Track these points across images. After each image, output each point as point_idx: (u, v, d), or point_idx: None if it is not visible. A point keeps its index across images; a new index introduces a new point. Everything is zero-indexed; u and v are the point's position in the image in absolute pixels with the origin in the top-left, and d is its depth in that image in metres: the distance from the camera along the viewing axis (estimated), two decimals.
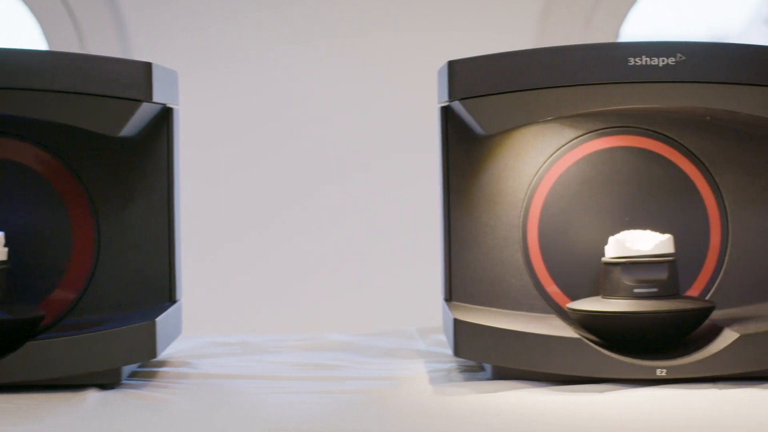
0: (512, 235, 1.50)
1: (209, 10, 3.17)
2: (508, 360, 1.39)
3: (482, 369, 1.49)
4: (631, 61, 1.39)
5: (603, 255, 1.45)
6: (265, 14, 3.17)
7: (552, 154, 1.50)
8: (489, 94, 1.40)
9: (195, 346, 1.66)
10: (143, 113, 1.43)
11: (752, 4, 3.53)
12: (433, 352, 1.62)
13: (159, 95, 1.43)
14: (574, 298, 1.48)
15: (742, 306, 1.49)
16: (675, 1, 3.53)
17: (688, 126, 1.51)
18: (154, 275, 1.49)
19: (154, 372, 1.49)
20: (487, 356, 1.40)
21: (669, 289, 1.42)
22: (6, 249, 1.45)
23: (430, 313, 1.92)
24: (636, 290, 1.41)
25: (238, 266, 3.20)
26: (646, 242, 1.43)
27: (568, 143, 1.51)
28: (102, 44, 3.12)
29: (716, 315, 1.47)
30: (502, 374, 1.42)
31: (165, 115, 1.50)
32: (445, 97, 1.44)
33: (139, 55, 3.08)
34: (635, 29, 3.37)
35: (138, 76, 1.39)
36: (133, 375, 1.47)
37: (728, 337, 1.39)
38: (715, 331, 1.42)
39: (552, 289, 1.50)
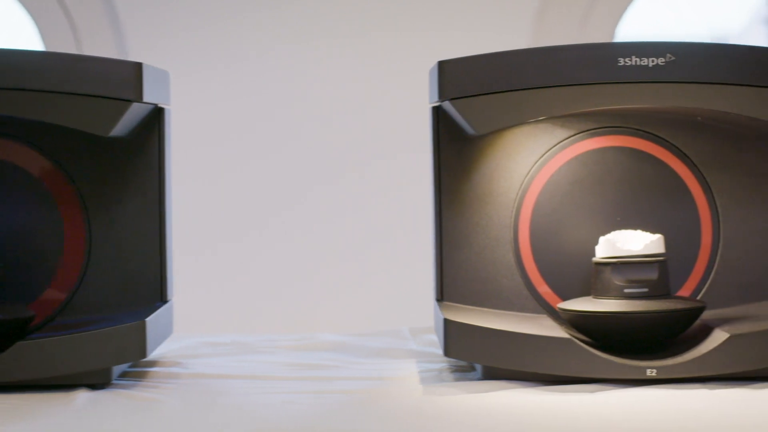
0: (503, 235, 1.50)
1: (206, 12, 3.17)
2: (498, 360, 1.39)
3: (473, 369, 1.49)
4: (621, 61, 1.39)
5: (594, 255, 1.45)
6: (261, 15, 3.18)
7: (543, 154, 1.50)
8: (479, 94, 1.40)
9: (187, 346, 1.66)
10: (134, 113, 1.43)
11: (752, 4, 3.53)
12: (425, 352, 1.62)
13: (150, 95, 1.43)
14: (565, 298, 1.48)
15: (734, 306, 1.49)
16: (675, 1, 3.53)
17: (679, 126, 1.51)
18: (145, 275, 1.49)
19: (145, 372, 1.49)
20: (477, 356, 1.40)
21: (659, 289, 1.42)
22: None
23: (426, 313, 1.92)
24: (626, 290, 1.41)
25: (233, 266, 3.20)
26: (636, 242, 1.43)
27: (559, 143, 1.51)
28: (99, 45, 3.12)
29: (707, 315, 1.47)
30: (492, 374, 1.42)
31: (156, 115, 1.50)
32: (436, 98, 1.44)
33: (136, 56, 3.08)
34: (635, 29, 3.37)
35: (128, 77, 1.39)
36: (124, 375, 1.47)
37: (718, 337, 1.39)
38: (706, 332, 1.42)
39: (543, 289, 1.50)
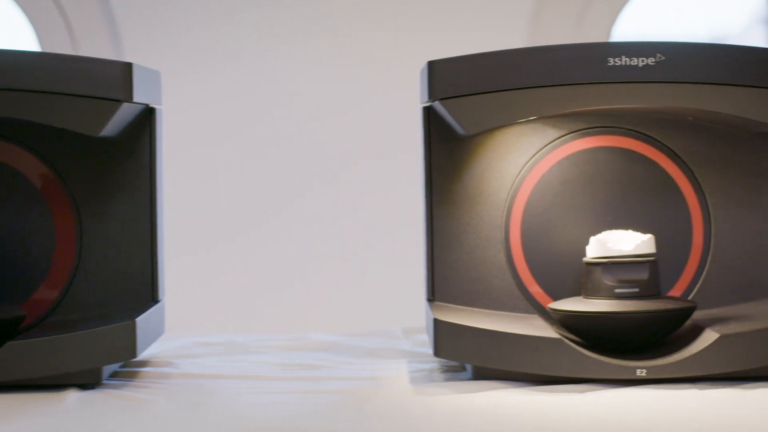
0: (495, 235, 1.50)
1: (202, 13, 3.17)
2: (487, 360, 1.39)
3: (464, 369, 1.49)
4: (611, 61, 1.39)
5: (585, 255, 1.45)
6: (257, 15, 3.18)
7: (534, 154, 1.50)
8: (468, 94, 1.40)
9: (179, 347, 1.66)
10: (124, 113, 1.43)
11: (752, 5, 3.52)
12: (416, 353, 1.62)
13: (140, 95, 1.43)
14: (556, 298, 1.48)
15: (725, 306, 1.49)
16: (675, 1, 3.52)
17: (670, 126, 1.51)
18: (136, 275, 1.49)
19: (136, 372, 1.49)
20: (466, 356, 1.39)
21: (650, 289, 1.42)
22: None
23: (421, 313, 1.92)
24: (617, 290, 1.41)
25: (226, 266, 3.20)
26: (627, 242, 1.43)
27: (550, 143, 1.51)
28: (95, 46, 3.12)
29: (698, 315, 1.47)
30: (482, 374, 1.41)
31: (148, 115, 1.50)
32: (426, 98, 1.44)
33: (133, 57, 3.08)
34: (635, 29, 3.36)
35: (118, 77, 1.39)
36: (115, 375, 1.47)
37: (708, 337, 1.39)
38: (696, 332, 1.42)
39: (534, 289, 1.50)
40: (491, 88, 1.40)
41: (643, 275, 1.41)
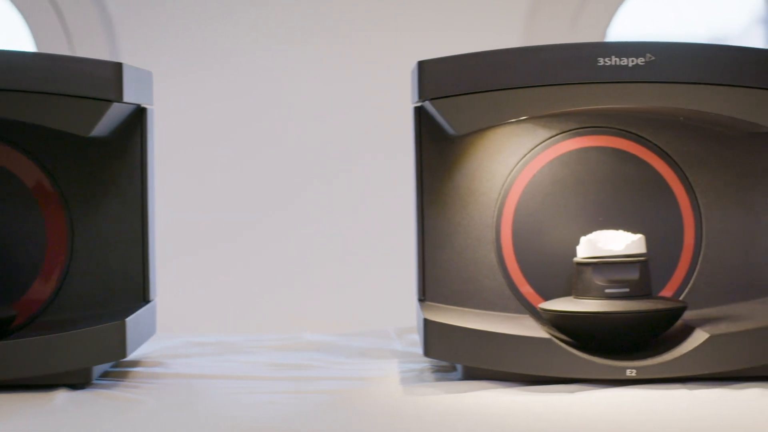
0: (486, 235, 1.50)
1: (197, 14, 3.17)
2: (477, 360, 1.39)
3: (454, 369, 1.49)
4: (601, 61, 1.39)
5: (576, 255, 1.45)
6: (253, 16, 3.17)
7: (525, 154, 1.50)
8: (459, 94, 1.40)
9: (170, 347, 1.66)
10: (115, 113, 1.43)
11: (752, 5, 3.52)
12: (408, 353, 1.62)
13: (131, 95, 1.43)
14: (547, 298, 1.48)
15: (716, 306, 1.49)
16: (675, 1, 3.52)
17: (661, 126, 1.50)
18: (127, 275, 1.49)
19: (127, 372, 1.49)
20: (456, 356, 1.39)
21: (641, 289, 1.41)
22: None
23: (414, 313, 1.92)
24: (607, 290, 1.41)
25: (222, 266, 3.20)
26: (617, 242, 1.42)
27: (541, 143, 1.50)
28: (91, 47, 3.12)
29: (689, 315, 1.47)
30: (472, 374, 1.41)
31: (139, 115, 1.50)
32: (417, 98, 1.44)
33: (129, 57, 3.08)
34: (634, 29, 3.36)
35: (109, 77, 1.39)
36: (105, 375, 1.47)
37: (698, 337, 1.38)
38: (687, 332, 1.42)
39: (525, 289, 1.50)
40: (481, 88, 1.40)
41: (634, 275, 1.41)
